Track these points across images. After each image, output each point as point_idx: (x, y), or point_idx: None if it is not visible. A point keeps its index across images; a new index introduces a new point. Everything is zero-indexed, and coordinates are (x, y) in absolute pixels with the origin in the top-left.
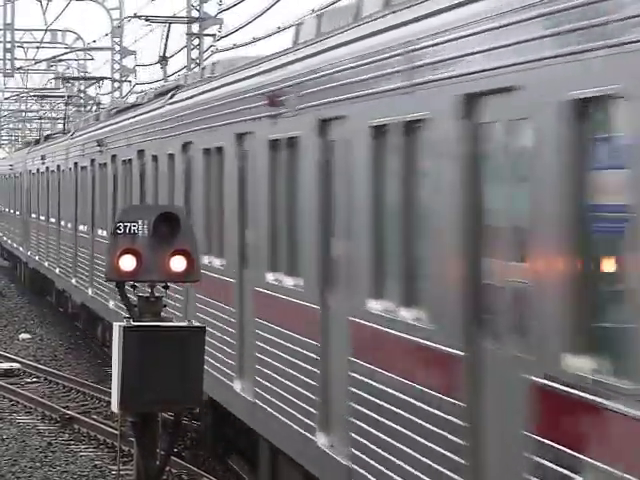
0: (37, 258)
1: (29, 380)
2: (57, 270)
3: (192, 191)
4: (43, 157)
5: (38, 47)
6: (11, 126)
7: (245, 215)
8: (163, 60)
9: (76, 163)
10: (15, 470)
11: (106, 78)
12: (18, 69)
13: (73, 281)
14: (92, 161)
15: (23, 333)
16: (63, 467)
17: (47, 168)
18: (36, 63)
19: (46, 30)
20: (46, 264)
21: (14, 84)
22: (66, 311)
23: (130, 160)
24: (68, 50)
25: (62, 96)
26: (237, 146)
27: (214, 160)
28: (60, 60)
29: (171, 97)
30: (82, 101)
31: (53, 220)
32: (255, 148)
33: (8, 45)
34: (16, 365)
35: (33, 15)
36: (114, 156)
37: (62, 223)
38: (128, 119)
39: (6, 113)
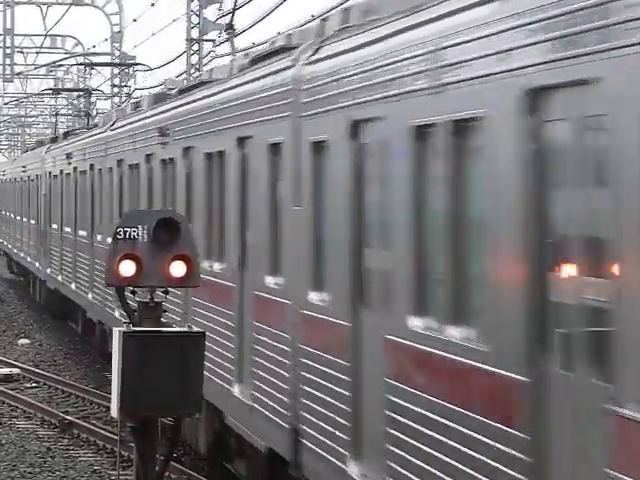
0: (60, 278)
1: (28, 385)
2: (90, 296)
3: (369, 200)
4: (69, 156)
5: (38, 52)
6: (10, 131)
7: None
8: (230, 29)
9: (121, 160)
10: (14, 475)
11: (139, 64)
12: (18, 74)
13: (116, 314)
14: (148, 157)
15: (22, 338)
16: (62, 472)
17: (75, 169)
18: (36, 68)
19: (46, 35)
20: (73, 286)
21: (13, 89)
22: (101, 348)
23: (220, 153)
24: (68, 55)
25: (83, 90)
26: (529, 115)
27: (441, 144)
28: (60, 65)
29: (315, 52)
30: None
31: (83, 233)
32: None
33: (8, 50)
34: (15, 370)
35: (33, 20)
36: (188, 149)
37: (98, 237)
38: (215, 94)
39: (5, 118)
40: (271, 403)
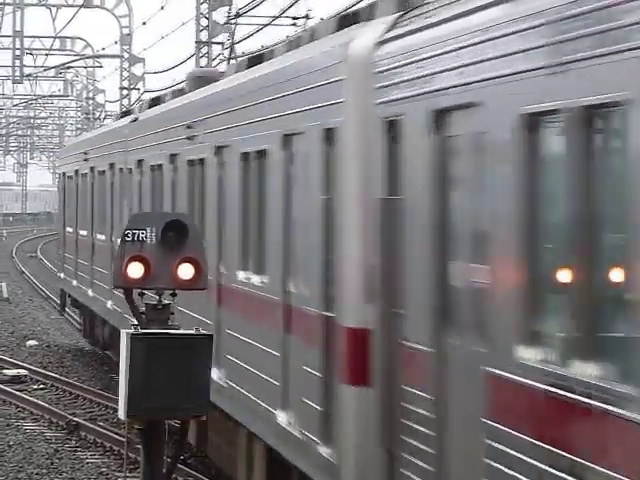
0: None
1: (36, 387)
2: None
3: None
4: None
5: (47, 54)
6: (19, 133)
7: None
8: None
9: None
10: (21, 477)
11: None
12: (27, 76)
13: None
14: None
15: (30, 340)
16: (69, 474)
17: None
18: (45, 70)
19: (55, 37)
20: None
21: (23, 91)
22: None
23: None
24: (77, 57)
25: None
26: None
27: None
28: (69, 67)
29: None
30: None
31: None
32: None
33: (17, 52)
34: (23, 372)
35: (42, 22)
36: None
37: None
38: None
39: (15, 120)
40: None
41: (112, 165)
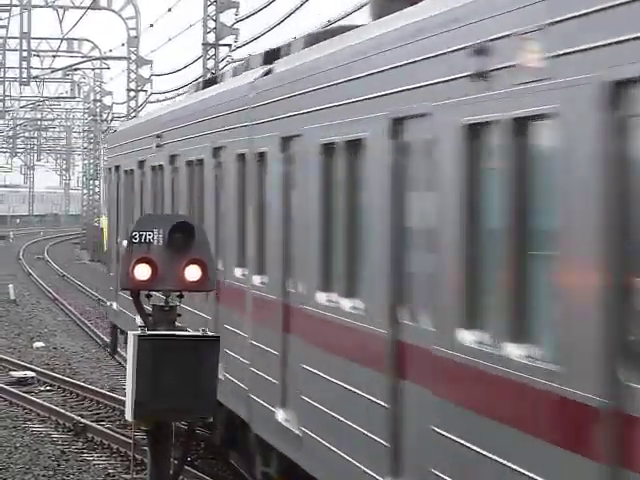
0: None
1: (43, 388)
2: None
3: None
4: None
5: (54, 56)
6: (26, 135)
7: None
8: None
9: None
10: (28, 478)
11: None
12: (34, 78)
13: None
14: None
15: (37, 341)
16: (76, 475)
17: None
18: (52, 72)
19: (62, 39)
20: None
21: (30, 93)
22: None
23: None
24: (84, 59)
25: None
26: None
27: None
28: (76, 69)
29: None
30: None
31: None
32: None
33: (24, 54)
34: (30, 373)
35: (49, 24)
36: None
37: None
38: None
39: (22, 121)
40: None
41: (218, 150)
